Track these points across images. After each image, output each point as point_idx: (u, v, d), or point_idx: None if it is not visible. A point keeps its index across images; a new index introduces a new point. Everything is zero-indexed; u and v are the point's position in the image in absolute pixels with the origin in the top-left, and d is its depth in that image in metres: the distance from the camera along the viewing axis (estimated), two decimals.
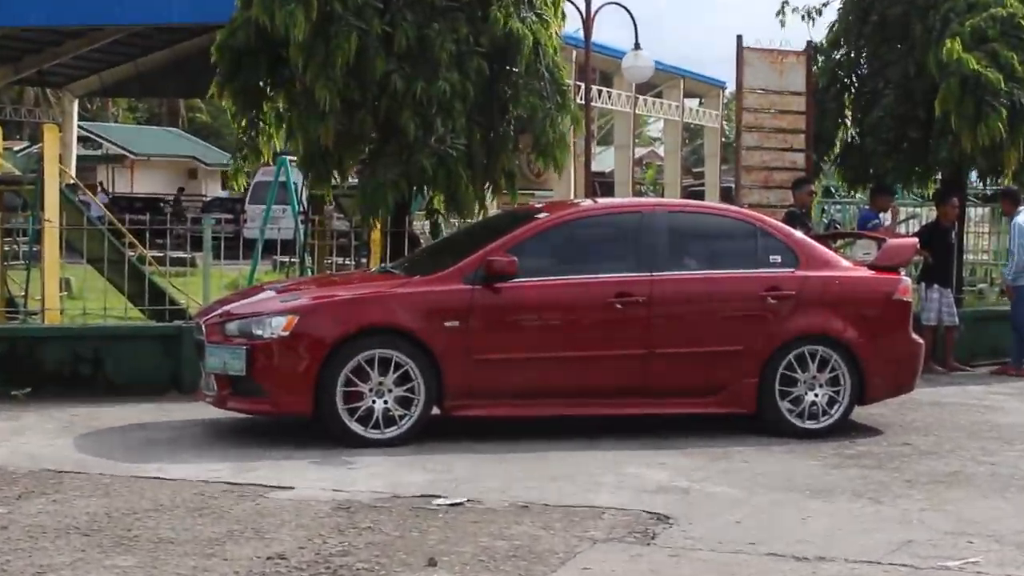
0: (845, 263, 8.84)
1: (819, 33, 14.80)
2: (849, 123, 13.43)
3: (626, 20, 42.68)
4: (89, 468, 6.95)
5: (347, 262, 13.18)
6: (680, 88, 30.63)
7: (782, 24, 15.62)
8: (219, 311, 8.10)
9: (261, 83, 10.25)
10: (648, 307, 8.05)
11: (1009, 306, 12.02)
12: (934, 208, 13.01)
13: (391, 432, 7.63)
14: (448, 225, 11.32)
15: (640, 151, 41.45)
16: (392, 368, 7.63)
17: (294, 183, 15.51)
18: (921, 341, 8.85)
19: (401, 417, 7.66)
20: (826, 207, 18.16)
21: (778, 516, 6.17)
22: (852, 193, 16.88)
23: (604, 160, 36.68)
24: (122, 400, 9.08)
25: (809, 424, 8.23)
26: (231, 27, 9.88)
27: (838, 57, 13.43)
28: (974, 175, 14.84)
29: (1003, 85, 11.56)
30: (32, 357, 9.40)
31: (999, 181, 13.54)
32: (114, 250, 10.94)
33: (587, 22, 17.19)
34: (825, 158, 13.64)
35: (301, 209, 14.77)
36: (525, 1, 9.98)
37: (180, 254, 16.44)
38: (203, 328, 7.96)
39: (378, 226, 10.67)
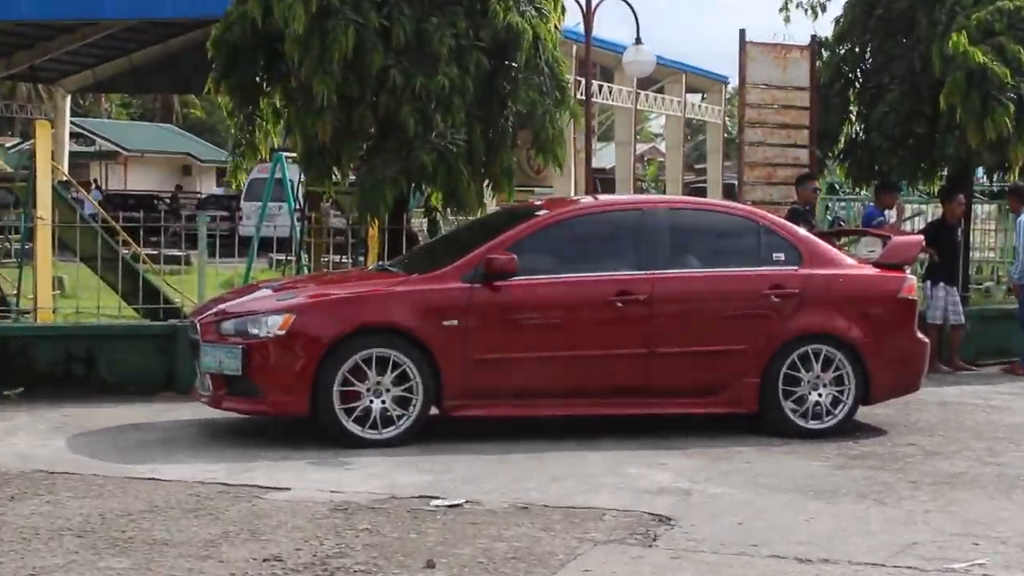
0: (849, 261, 8.79)
1: (822, 28, 14.73)
2: (854, 119, 13.36)
3: (627, 15, 42.69)
4: (82, 469, 6.91)
5: (344, 260, 13.11)
6: (682, 83, 30.62)
7: (786, 20, 15.57)
8: (214, 310, 8.05)
9: (258, 78, 10.18)
10: (649, 306, 8.00)
11: (1016, 304, 11.95)
12: (940, 205, 12.94)
13: (389, 432, 7.58)
14: (446, 222, 11.25)
15: (641, 147, 41.45)
16: (390, 368, 7.58)
17: (290, 180, 15.44)
18: (926, 340, 8.81)
19: (399, 417, 7.60)
20: (830, 204, 18.08)
21: (781, 517, 6.12)
22: (856, 190, 16.80)
23: (605, 156, 36.68)
24: (116, 400, 9.05)
25: (812, 424, 8.18)
26: (226, 22, 9.81)
27: (842, 52, 13.35)
28: (980, 171, 14.76)
29: (1010, 79, 11.49)
30: (25, 356, 9.35)
31: (1005, 177, 13.46)
32: (108, 248, 10.87)
33: (588, 16, 17.11)
34: (829, 154, 13.58)
35: (297, 206, 14.70)
36: None
37: (175, 252, 16.37)
38: (198, 327, 7.92)
39: (376, 224, 10.59)
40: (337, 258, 13.37)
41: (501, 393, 7.82)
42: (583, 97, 18.68)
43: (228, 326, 7.73)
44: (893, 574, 5.22)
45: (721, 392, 8.10)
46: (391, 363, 7.57)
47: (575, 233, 8.32)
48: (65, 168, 26.15)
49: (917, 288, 9.13)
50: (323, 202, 13.51)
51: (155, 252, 12.62)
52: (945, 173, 13.33)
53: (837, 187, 19.62)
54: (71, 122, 37.00)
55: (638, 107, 28.16)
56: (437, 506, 6.18)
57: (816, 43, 13.26)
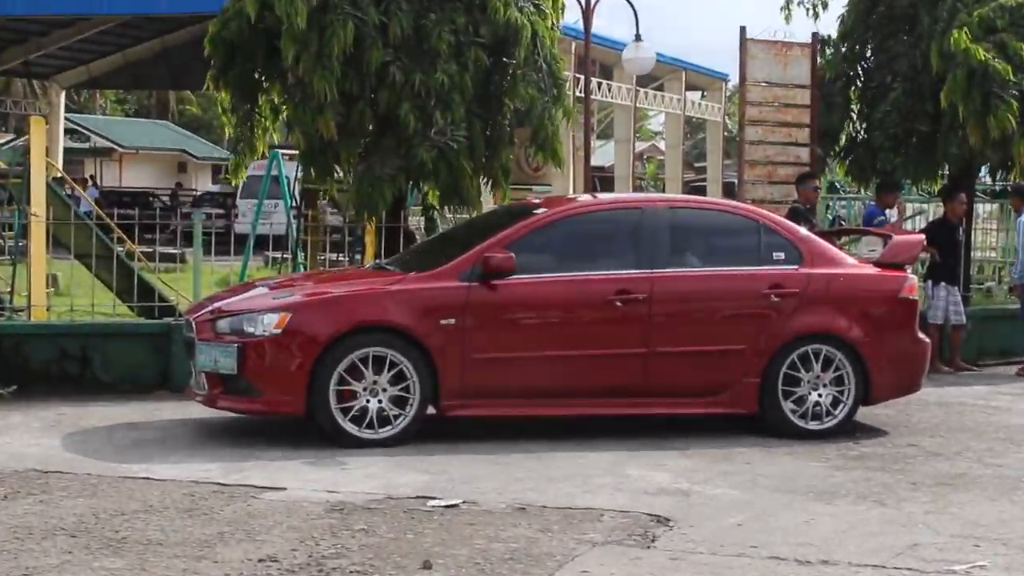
0: (850, 260, 8.76)
1: (824, 27, 14.67)
2: (855, 117, 13.31)
3: (627, 13, 42.65)
4: (76, 468, 6.88)
5: (341, 258, 13.06)
6: (682, 81, 30.58)
7: (787, 19, 15.50)
8: (210, 308, 8.01)
9: (256, 75, 10.12)
10: (648, 305, 7.95)
11: (1018, 304, 11.91)
12: (941, 204, 12.89)
13: (385, 432, 7.53)
14: (443, 221, 11.20)
15: (641, 145, 41.45)
16: (387, 367, 7.54)
17: (286, 177, 15.40)
18: (927, 340, 8.77)
19: (396, 417, 7.56)
20: (831, 203, 18.04)
21: (780, 518, 6.09)
22: (858, 189, 16.76)
23: (604, 154, 36.67)
24: (110, 399, 9.01)
25: (812, 425, 8.14)
26: (223, 18, 9.77)
27: (844, 50, 13.30)
28: (983, 170, 14.72)
29: (1012, 76, 11.43)
30: (18, 354, 9.31)
31: (1007, 176, 13.42)
32: (102, 245, 10.81)
33: (587, 13, 17.07)
34: (830, 153, 13.53)
35: (293, 204, 14.66)
36: None
37: (170, 250, 16.32)
38: (193, 325, 7.87)
39: (373, 221, 10.54)
40: (334, 256, 13.33)
41: (499, 393, 7.77)
42: (582, 94, 18.64)
43: (224, 324, 7.69)
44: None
45: (721, 392, 8.06)
46: (388, 362, 7.52)
47: (574, 232, 8.28)
48: (59, 165, 26.13)
49: (918, 288, 9.10)
50: (320, 199, 13.48)
51: (150, 250, 12.57)
52: (947, 172, 13.28)
53: (838, 186, 19.60)
54: (65, 118, 37.03)
55: (638, 105, 28.14)
56: (434, 506, 6.15)
57: (818, 41, 13.21)
